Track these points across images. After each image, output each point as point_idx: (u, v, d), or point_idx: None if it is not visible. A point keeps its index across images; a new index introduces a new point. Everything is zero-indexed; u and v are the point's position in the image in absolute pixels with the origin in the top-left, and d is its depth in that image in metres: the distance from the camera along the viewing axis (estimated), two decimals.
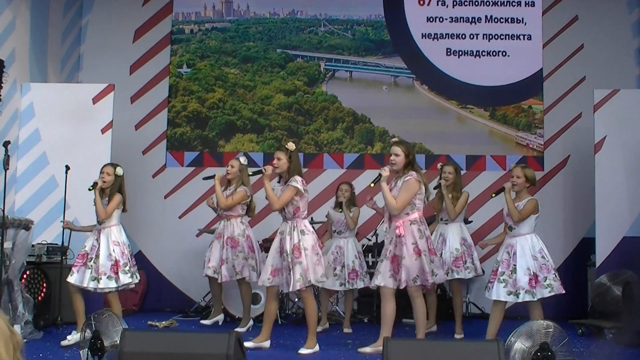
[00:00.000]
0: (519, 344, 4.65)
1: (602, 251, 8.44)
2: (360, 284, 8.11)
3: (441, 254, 7.68)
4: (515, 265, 6.43)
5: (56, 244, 8.18)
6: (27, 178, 8.71)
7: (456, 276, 7.75)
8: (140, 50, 10.50)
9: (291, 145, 6.74)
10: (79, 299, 6.90)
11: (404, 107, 10.29)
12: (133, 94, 10.38)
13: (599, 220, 8.50)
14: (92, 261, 6.76)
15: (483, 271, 8.05)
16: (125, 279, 6.82)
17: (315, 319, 6.75)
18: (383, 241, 8.93)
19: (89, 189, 6.93)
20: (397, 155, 6.47)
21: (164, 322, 8.32)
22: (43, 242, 8.19)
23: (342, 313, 8.70)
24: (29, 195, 8.67)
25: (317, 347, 6.63)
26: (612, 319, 7.68)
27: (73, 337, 6.67)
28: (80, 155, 8.49)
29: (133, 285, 7.05)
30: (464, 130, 10.22)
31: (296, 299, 9.15)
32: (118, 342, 4.54)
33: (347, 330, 8.13)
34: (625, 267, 7.95)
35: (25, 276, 7.53)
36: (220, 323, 8.22)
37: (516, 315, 7.95)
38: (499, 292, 6.47)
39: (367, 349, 6.56)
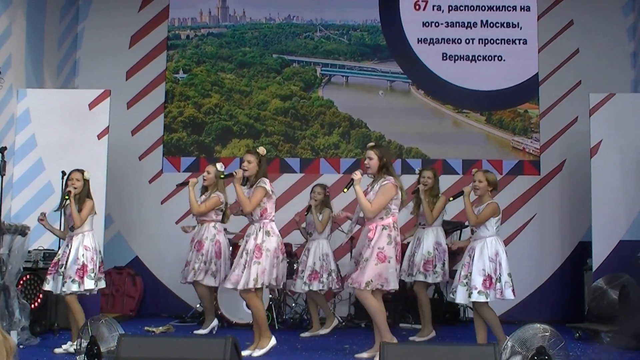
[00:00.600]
0: (516, 348, 4.65)
1: (599, 255, 8.45)
2: (316, 286, 8.01)
3: (414, 256, 7.73)
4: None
5: (53, 250, 8.13)
6: (23, 184, 8.70)
7: (421, 279, 7.70)
8: (136, 56, 10.50)
9: (262, 150, 6.80)
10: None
11: (400, 112, 10.29)
12: (129, 100, 10.38)
13: (595, 224, 8.51)
14: (63, 267, 6.73)
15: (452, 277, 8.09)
16: (89, 284, 6.73)
17: (264, 317, 6.73)
18: None
19: (66, 198, 6.82)
20: (370, 158, 6.48)
21: (160, 328, 8.31)
22: (40, 248, 8.15)
23: (338, 318, 8.67)
24: (26, 201, 8.65)
25: (273, 341, 6.66)
26: (609, 322, 7.68)
27: (68, 347, 6.62)
28: (76, 160, 8.36)
29: (95, 292, 6.94)
30: (460, 134, 10.23)
31: (293, 304, 9.15)
32: (114, 347, 4.52)
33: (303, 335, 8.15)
34: (622, 270, 7.95)
35: (21, 282, 7.50)
36: (215, 330, 8.16)
37: (512, 319, 8.00)
38: (461, 295, 6.46)
39: (364, 355, 6.55)
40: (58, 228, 7.41)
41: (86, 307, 7.55)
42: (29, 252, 7.88)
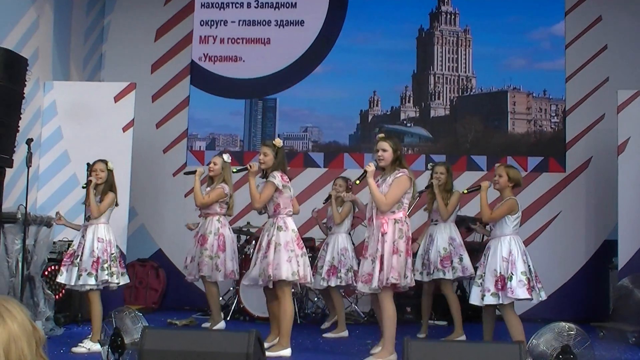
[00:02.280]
0: (541, 347, 4.61)
1: (625, 254, 8.35)
2: (334, 282, 7.85)
3: (427, 253, 7.61)
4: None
5: None
6: (49, 176, 8.78)
7: (440, 276, 7.49)
8: (161, 49, 10.54)
9: (278, 142, 6.64)
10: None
11: None
12: (154, 93, 10.43)
13: (621, 223, 8.42)
14: (79, 258, 6.57)
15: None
16: (102, 275, 6.54)
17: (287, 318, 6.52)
18: None
19: (83, 187, 6.83)
20: (384, 150, 6.14)
21: (183, 321, 8.36)
22: (64, 240, 8.22)
23: (360, 313, 8.65)
24: (51, 192, 8.73)
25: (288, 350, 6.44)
26: (635, 322, 7.60)
27: (90, 346, 6.41)
28: (101, 153, 8.38)
29: (115, 286, 6.74)
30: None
31: (315, 299, 9.14)
32: (138, 339, 4.54)
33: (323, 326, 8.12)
34: None
35: (46, 273, 7.57)
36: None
37: (536, 317, 7.93)
38: (475, 296, 6.18)
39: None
40: (82, 221, 7.41)
41: (110, 299, 7.62)
42: (54, 243, 7.98)
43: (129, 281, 7.06)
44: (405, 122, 10.33)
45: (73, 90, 9.06)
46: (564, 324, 4.72)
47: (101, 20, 10.58)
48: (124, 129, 8.79)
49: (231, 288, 9.05)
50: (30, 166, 6.95)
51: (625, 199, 8.41)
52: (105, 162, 6.91)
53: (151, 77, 10.46)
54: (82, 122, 8.79)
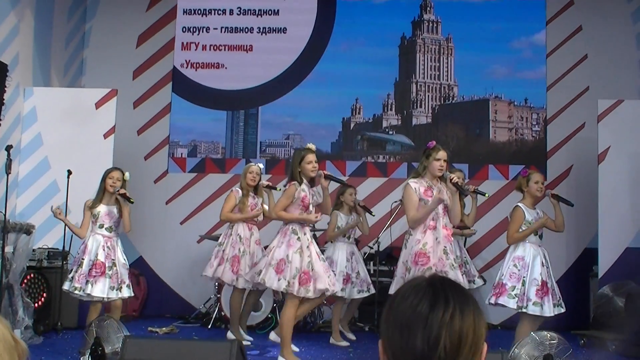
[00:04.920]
0: (524, 356, 4.61)
1: (605, 262, 8.41)
2: (372, 290, 7.99)
3: (466, 262, 7.75)
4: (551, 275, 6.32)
5: (57, 249, 8.16)
6: (28, 182, 8.70)
7: (477, 285, 8.00)
8: (143, 56, 10.49)
9: (312, 146, 6.67)
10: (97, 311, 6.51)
11: None
12: (136, 99, 10.37)
13: (602, 231, 8.47)
14: (111, 270, 6.43)
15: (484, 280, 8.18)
16: (133, 288, 6.72)
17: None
18: (387, 249, 9.02)
19: (131, 202, 6.59)
20: (445, 161, 5.99)
21: (164, 329, 8.30)
22: (44, 247, 8.16)
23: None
24: (31, 199, 8.65)
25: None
26: (615, 330, 7.64)
27: None
28: (82, 159, 8.46)
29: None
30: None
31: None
32: (119, 348, 4.50)
33: (350, 336, 8.06)
34: (628, 278, 7.92)
35: (25, 281, 7.50)
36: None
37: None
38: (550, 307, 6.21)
39: None
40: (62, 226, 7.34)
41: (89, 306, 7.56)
42: (33, 250, 7.89)
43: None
44: (387, 129, 10.34)
45: (54, 96, 9.00)
46: (545, 333, 4.74)
47: (82, 25, 10.51)
48: (105, 136, 8.74)
49: (212, 296, 9.00)
50: (10, 173, 6.89)
51: (606, 207, 8.47)
52: (122, 171, 6.73)
53: (133, 83, 10.39)
54: (62, 128, 8.72)
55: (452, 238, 6.13)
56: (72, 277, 6.45)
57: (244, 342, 7.70)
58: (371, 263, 8.97)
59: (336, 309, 7.99)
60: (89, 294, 6.34)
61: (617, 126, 8.55)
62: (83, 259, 6.44)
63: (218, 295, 8.65)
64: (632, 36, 10.04)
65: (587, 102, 9.68)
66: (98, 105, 8.84)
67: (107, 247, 6.51)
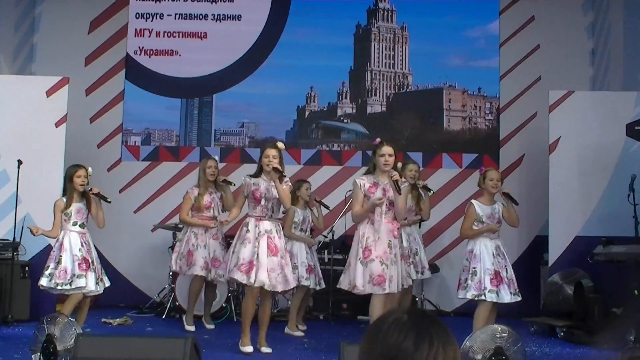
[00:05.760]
0: (474, 349, 4.69)
1: (555, 250, 8.56)
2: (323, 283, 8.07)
3: (415, 254, 7.75)
4: (506, 266, 6.64)
5: (7, 240, 8.02)
6: None
7: (426, 276, 8.05)
8: (95, 42, 10.30)
9: (281, 145, 6.71)
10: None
11: None
12: (88, 87, 10.20)
13: (552, 220, 8.61)
14: (93, 264, 6.67)
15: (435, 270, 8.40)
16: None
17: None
18: (341, 238, 9.06)
19: (109, 201, 6.89)
20: (390, 155, 6.28)
21: (118, 320, 8.24)
22: None
23: None
24: None
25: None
26: (564, 317, 7.82)
27: None
28: (33, 149, 8.31)
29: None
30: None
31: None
32: (71, 346, 4.46)
33: (302, 327, 8.12)
34: (577, 266, 8.07)
35: None
36: None
37: (470, 312, 8.05)
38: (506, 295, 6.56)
39: None
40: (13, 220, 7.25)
41: (42, 299, 7.48)
42: None
43: None
44: (342, 118, 10.36)
45: (3, 83, 8.77)
46: (496, 326, 4.83)
47: (32, 10, 10.28)
48: (57, 125, 8.57)
49: (167, 285, 8.96)
50: None
51: (556, 196, 8.61)
52: (85, 168, 6.85)
53: (85, 70, 10.22)
54: (12, 116, 8.53)
55: (397, 232, 6.34)
56: (50, 274, 6.53)
57: (209, 327, 7.99)
58: (325, 252, 9.01)
59: (296, 297, 8.03)
60: (76, 287, 6.51)
61: (568, 117, 8.68)
62: (61, 255, 6.56)
63: (172, 285, 8.62)
64: (582, 27, 10.20)
65: (539, 91, 9.80)
66: (49, 93, 8.65)
67: (83, 242, 6.69)
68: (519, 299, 6.58)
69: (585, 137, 8.64)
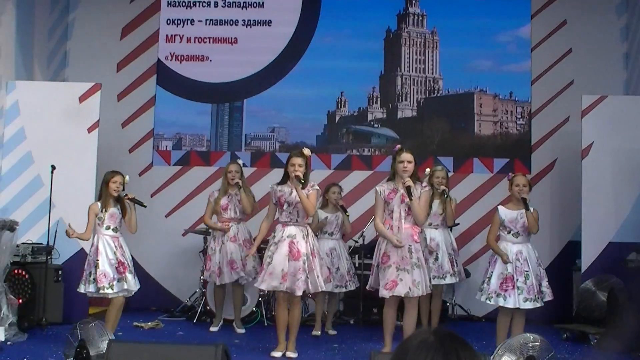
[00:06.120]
0: (506, 358, 4.66)
1: (588, 256, 8.46)
2: (353, 286, 8.08)
3: (436, 258, 7.71)
4: (527, 272, 6.52)
5: (41, 244, 8.12)
6: (11, 177, 8.62)
7: (450, 281, 7.87)
8: (127, 48, 10.41)
9: (307, 152, 6.78)
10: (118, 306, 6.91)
11: None
12: (120, 92, 10.30)
13: (585, 225, 8.52)
14: (129, 266, 6.90)
15: (466, 275, 8.30)
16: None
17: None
18: (371, 243, 9.03)
19: (144, 206, 7.09)
20: (409, 162, 6.42)
21: (149, 324, 8.30)
22: (28, 242, 8.12)
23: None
24: (14, 194, 8.56)
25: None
26: (597, 324, 7.72)
27: None
28: (66, 154, 8.41)
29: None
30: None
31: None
32: (103, 352, 4.50)
33: (331, 332, 8.13)
34: (610, 272, 7.98)
35: (9, 277, 7.46)
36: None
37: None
38: (518, 301, 6.49)
39: None
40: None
41: (74, 302, 7.57)
42: (17, 246, 7.85)
43: None
44: (372, 123, 10.35)
45: (37, 90, 8.90)
46: (528, 335, 4.79)
47: (65, 17, 10.41)
48: (89, 130, 8.67)
49: (197, 289, 9.01)
50: None
51: (589, 202, 8.51)
52: (122, 175, 7.04)
53: (117, 75, 10.32)
54: (46, 122, 8.65)
55: (418, 237, 6.46)
56: (93, 279, 6.69)
57: (239, 331, 8.07)
58: (356, 257, 8.99)
59: (317, 302, 8.18)
60: (120, 290, 6.76)
61: (601, 122, 8.59)
62: (97, 260, 6.72)
63: (203, 290, 8.67)
64: (616, 30, 10.06)
65: (572, 96, 9.70)
66: (82, 99, 8.75)
67: (116, 246, 6.85)
68: (538, 305, 6.56)
69: (619, 142, 8.54)
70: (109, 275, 6.69)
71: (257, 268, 7.74)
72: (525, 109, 10.19)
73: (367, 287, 6.91)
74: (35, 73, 9.49)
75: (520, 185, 6.64)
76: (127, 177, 7.01)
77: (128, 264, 6.86)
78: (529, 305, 6.46)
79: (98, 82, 8.92)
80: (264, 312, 8.61)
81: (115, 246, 6.81)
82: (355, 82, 10.30)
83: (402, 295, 6.41)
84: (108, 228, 6.83)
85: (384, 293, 6.43)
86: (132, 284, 6.83)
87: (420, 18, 10.40)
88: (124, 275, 6.75)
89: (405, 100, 10.31)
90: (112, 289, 6.69)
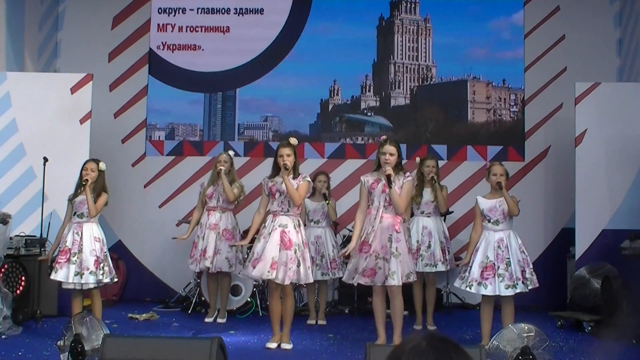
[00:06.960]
0: (501, 348, 4.66)
1: (582, 243, 8.47)
2: (339, 273, 8.05)
3: (428, 246, 7.70)
4: (508, 259, 6.48)
5: (34, 236, 8.09)
6: (3, 169, 8.55)
7: (440, 269, 7.81)
8: (118, 38, 10.34)
9: (294, 141, 6.74)
10: (78, 302, 6.74)
11: None
12: (112, 82, 10.24)
13: (579, 213, 8.53)
14: (76, 256, 6.60)
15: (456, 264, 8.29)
16: (99, 274, 6.67)
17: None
18: None
19: (83, 184, 6.75)
20: (392, 154, 6.45)
21: (144, 315, 8.28)
22: (21, 235, 8.07)
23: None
24: (6, 187, 8.49)
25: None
26: (591, 312, 7.74)
27: None
28: (58, 146, 8.37)
29: (109, 282, 6.94)
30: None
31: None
32: (98, 346, 4.50)
33: (321, 322, 8.13)
34: (604, 260, 7.99)
35: (3, 270, 7.44)
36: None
37: (496, 306, 8.01)
38: (499, 288, 6.45)
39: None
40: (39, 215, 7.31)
41: (69, 294, 7.53)
42: (10, 239, 7.83)
43: (117, 279, 7.24)
44: (365, 111, 10.32)
45: (28, 81, 8.83)
46: (523, 325, 4.79)
47: (56, 7, 10.32)
48: (82, 121, 8.63)
49: (192, 280, 9.00)
50: None
51: (583, 189, 8.52)
52: (96, 161, 6.94)
53: (108, 65, 10.26)
54: (38, 114, 8.59)
55: (399, 226, 6.41)
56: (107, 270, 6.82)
57: (220, 321, 8.05)
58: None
59: (307, 291, 8.31)
60: (52, 280, 6.66)
61: (594, 109, 8.58)
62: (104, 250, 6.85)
63: (198, 280, 8.67)
64: (609, 17, 10.04)
65: (565, 83, 9.70)
66: (73, 90, 8.70)
67: (75, 233, 6.72)
68: (517, 291, 6.45)
69: (612, 129, 8.54)
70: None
71: (237, 260, 7.93)
72: (518, 96, 10.18)
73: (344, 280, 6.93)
74: (27, 64, 9.43)
75: (497, 175, 6.63)
76: (101, 164, 6.91)
77: (77, 253, 6.67)
78: (509, 292, 6.42)
79: (89, 72, 8.87)
80: (258, 303, 8.61)
81: (75, 233, 6.73)
82: (348, 71, 10.26)
83: (378, 285, 6.45)
84: (75, 214, 6.80)
85: (360, 280, 6.48)
86: (60, 275, 6.63)
87: (413, 5, 10.35)
88: (60, 264, 6.65)
89: (399, 88, 10.29)
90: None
